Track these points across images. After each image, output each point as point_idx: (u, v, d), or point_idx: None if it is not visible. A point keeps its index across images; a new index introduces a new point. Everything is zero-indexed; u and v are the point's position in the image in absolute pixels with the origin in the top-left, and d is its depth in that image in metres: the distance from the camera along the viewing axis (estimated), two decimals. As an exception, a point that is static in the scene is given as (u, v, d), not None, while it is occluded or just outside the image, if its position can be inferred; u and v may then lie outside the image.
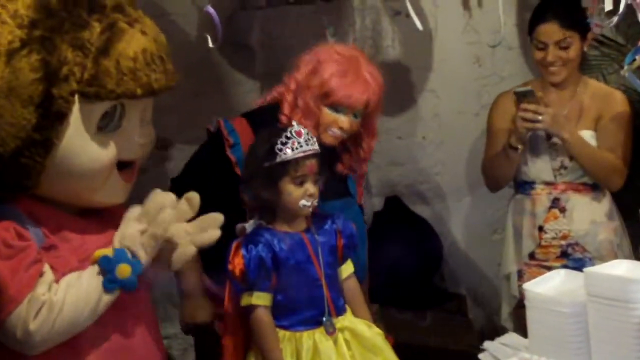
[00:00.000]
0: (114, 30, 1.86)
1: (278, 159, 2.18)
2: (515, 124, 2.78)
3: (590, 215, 2.88)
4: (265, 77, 3.45)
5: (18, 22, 1.79)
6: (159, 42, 1.93)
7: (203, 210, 2.03)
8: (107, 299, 1.87)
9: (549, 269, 2.68)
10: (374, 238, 2.81)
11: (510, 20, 3.52)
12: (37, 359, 1.85)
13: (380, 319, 2.67)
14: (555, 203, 2.89)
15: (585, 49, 2.87)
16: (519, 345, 2.20)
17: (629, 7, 2.36)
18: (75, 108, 1.82)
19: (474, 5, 3.59)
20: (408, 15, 2.81)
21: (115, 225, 1.95)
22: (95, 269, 1.87)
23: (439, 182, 3.70)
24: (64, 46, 1.80)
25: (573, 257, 2.87)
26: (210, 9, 2.52)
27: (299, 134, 2.19)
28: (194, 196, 2.01)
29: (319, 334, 2.22)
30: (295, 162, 2.18)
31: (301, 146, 2.18)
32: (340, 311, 2.28)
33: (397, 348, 2.33)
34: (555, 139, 2.83)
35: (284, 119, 2.42)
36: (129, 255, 1.88)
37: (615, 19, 2.45)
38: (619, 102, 2.89)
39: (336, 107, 2.41)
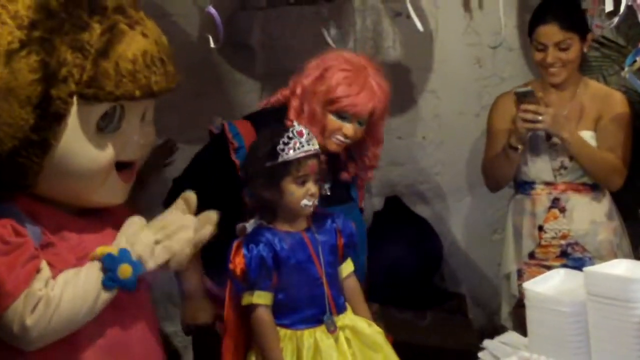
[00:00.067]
0: (114, 32, 1.86)
1: (280, 159, 2.18)
2: (516, 125, 2.78)
3: (590, 215, 2.89)
4: (265, 77, 3.46)
5: (18, 23, 1.79)
6: (160, 44, 1.93)
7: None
8: (105, 296, 1.88)
9: (549, 268, 2.68)
10: (374, 238, 2.82)
11: (511, 22, 3.52)
12: (35, 355, 1.85)
13: (380, 319, 2.67)
14: (555, 203, 2.89)
15: (585, 50, 2.88)
16: (518, 344, 2.20)
17: (629, 8, 2.36)
18: (74, 109, 1.82)
19: (475, 6, 3.59)
20: (409, 16, 2.82)
21: (115, 225, 1.96)
22: (95, 265, 1.88)
23: (439, 182, 3.71)
24: (64, 47, 1.81)
25: (573, 257, 2.87)
26: (212, 10, 2.53)
27: (300, 134, 2.20)
28: (191, 196, 2.01)
29: (320, 332, 2.23)
30: (297, 162, 2.18)
31: (303, 146, 2.19)
32: (341, 309, 2.29)
33: (397, 347, 2.34)
34: (555, 139, 2.84)
35: (289, 124, 2.41)
36: (133, 256, 1.89)
37: (615, 20, 2.45)
38: (618, 103, 2.90)
39: (341, 115, 2.41)
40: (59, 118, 1.81)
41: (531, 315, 2.09)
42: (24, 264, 1.80)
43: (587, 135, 2.85)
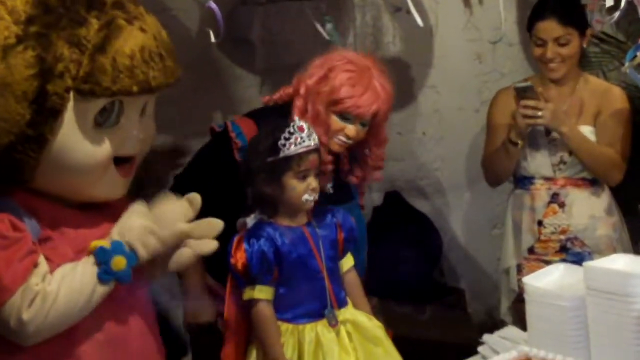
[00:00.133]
0: (111, 27, 1.85)
1: (281, 154, 2.19)
2: (515, 120, 2.79)
3: (589, 210, 2.89)
4: (265, 72, 3.46)
5: (15, 18, 1.79)
6: (159, 39, 1.92)
7: (209, 212, 2.03)
8: (101, 290, 1.87)
9: (548, 263, 2.68)
10: (373, 233, 2.82)
11: (511, 17, 3.52)
12: (34, 349, 1.85)
13: (379, 313, 2.68)
14: (554, 198, 2.90)
15: (584, 45, 2.88)
16: (518, 339, 2.20)
17: (629, 4, 2.36)
18: (70, 105, 1.81)
19: (475, 2, 3.59)
20: (409, 12, 2.82)
21: (115, 219, 1.95)
22: (90, 259, 1.87)
23: (439, 178, 3.71)
24: (60, 43, 1.80)
25: (572, 252, 2.88)
26: (213, 5, 2.52)
27: (301, 129, 2.20)
28: (196, 197, 2.01)
29: (321, 326, 2.24)
30: (299, 157, 2.19)
31: (304, 141, 2.19)
32: (341, 304, 2.30)
33: (396, 342, 2.34)
34: (554, 134, 2.85)
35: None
36: (126, 248, 1.88)
37: (616, 15, 2.46)
38: (618, 98, 2.91)
39: (344, 116, 2.41)
40: (55, 113, 1.80)
41: (530, 310, 2.09)
42: (21, 259, 1.80)
43: (587, 131, 2.86)
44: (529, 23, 2.89)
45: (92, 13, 1.85)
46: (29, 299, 1.79)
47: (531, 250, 2.93)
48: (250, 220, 2.26)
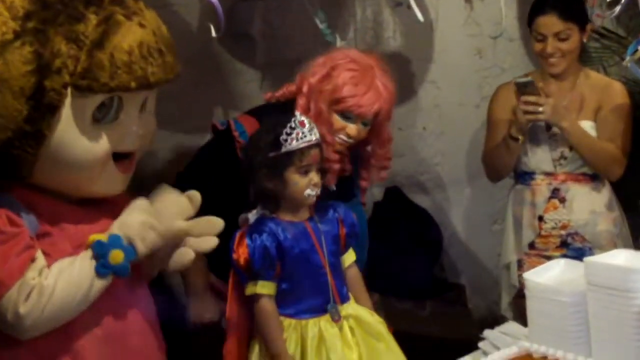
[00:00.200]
0: (110, 23, 1.85)
1: (283, 149, 2.18)
2: (516, 115, 2.79)
3: (589, 206, 2.89)
4: (266, 67, 3.45)
5: (13, 13, 1.79)
6: (158, 34, 1.92)
7: (211, 210, 2.03)
8: (99, 284, 1.87)
9: (549, 258, 2.68)
10: (374, 228, 2.82)
11: (511, 12, 3.51)
12: (31, 344, 1.85)
13: (380, 309, 2.68)
14: (555, 193, 2.90)
15: (584, 40, 2.88)
16: (518, 334, 2.20)
17: (630, -1, 2.37)
18: (68, 101, 1.82)
19: (475, -3, 3.59)
20: (409, 7, 2.82)
21: (114, 215, 1.95)
22: (88, 253, 1.88)
23: (439, 173, 3.70)
24: (58, 38, 1.80)
25: (573, 247, 2.88)
26: (213, -1, 2.52)
27: (302, 124, 2.20)
28: (196, 194, 2.01)
29: (324, 321, 2.23)
30: (300, 152, 2.19)
31: (305, 136, 2.19)
32: (344, 299, 2.30)
33: (397, 337, 2.34)
34: (555, 130, 2.85)
35: None
36: (124, 241, 1.88)
37: (616, 9, 2.45)
38: (618, 93, 2.91)
39: (346, 115, 2.41)
40: (53, 109, 1.80)
41: (531, 306, 2.09)
42: (18, 253, 1.80)
43: (587, 126, 2.86)
44: (529, 18, 2.89)
45: (90, 9, 1.85)
46: (26, 293, 1.79)
47: (532, 246, 2.93)
48: (252, 216, 2.26)
